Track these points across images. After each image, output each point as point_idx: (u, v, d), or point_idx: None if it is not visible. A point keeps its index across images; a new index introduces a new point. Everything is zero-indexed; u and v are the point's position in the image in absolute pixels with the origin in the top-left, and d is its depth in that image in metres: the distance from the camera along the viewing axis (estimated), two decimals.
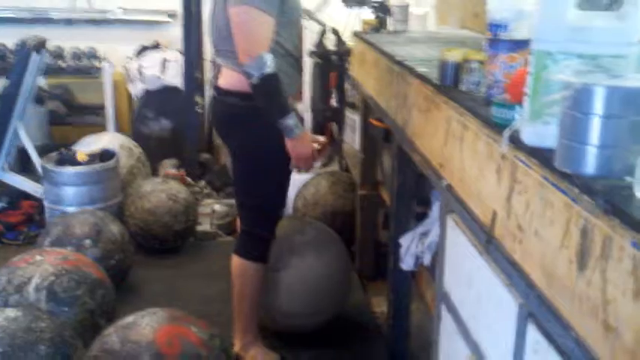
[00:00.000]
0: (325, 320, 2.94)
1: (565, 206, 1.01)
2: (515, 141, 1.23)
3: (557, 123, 1.09)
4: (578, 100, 1.03)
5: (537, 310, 1.10)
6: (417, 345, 2.67)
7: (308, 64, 5.05)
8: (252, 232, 2.65)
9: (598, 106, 1.01)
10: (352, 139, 3.87)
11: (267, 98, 2.37)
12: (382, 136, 3.29)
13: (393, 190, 2.57)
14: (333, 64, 4.73)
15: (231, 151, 2.69)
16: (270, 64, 2.30)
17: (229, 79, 2.51)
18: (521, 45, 1.49)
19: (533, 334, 1.12)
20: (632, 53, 1.16)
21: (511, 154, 1.24)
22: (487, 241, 1.35)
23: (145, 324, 2.11)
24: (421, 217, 2.40)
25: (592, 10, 1.18)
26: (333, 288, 2.95)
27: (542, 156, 1.13)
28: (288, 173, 2.62)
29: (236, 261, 2.67)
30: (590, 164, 1.02)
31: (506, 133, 1.26)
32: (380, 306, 3.15)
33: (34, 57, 4.04)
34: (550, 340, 1.06)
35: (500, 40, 1.52)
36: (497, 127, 1.34)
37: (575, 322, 0.97)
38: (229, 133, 2.62)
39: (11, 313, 2.21)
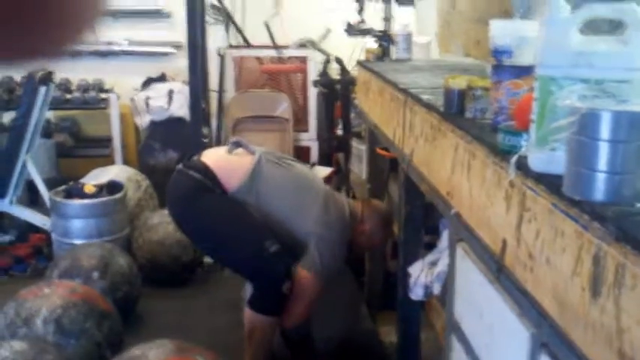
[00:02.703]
0: (333, 347, 2.91)
1: (576, 233, 1.00)
2: (523, 168, 1.22)
3: (565, 149, 1.09)
4: (585, 126, 1.03)
5: (550, 339, 1.09)
6: None
7: (313, 93, 5.09)
8: (255, 287, 2.66)
9: (605, 131, 1.00)
10: (359, 169, 3.87)
11: (299, 345, 2.79)
12: (388, 166, 3.29)
13: (401, 220, 2.55)
14: (337, 93, 4.76)
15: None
16: (309, 329, 2.74)
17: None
18: (525, 71, 1.49)
19: None
20: (636, 78, 1.16)
21: (519, 181, 1.23)
22: (497, 269, 1.33)
23: (152, 356, 2.09)
24: (430, 246, 2.39)
25: (595, 34, 1.18)
26: (341, 316, 2.94)
27: (550, 183, 1.12)
28: (242, 213, 2.61)
29: (246, 310, 2.68)
30: (600, 190, 1.01)
31: (513, 159, 1.25)
32: (389, 336, 3.11)
33: (42, 90, 4.07)
34: None
35: (504, 66, 1.52)
36: (504, 154, 1.34)
37: (589, 351, 0.95)
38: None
39: (17, 345, 2.20)
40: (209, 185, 2.61)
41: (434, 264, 2.21)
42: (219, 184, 2.61)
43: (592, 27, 1.19)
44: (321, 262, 2.61)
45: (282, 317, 2.63)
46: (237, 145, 2.78)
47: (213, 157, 2.74)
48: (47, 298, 2.55)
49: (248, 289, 2.81)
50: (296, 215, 2.64)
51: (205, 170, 2.63)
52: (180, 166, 2.80)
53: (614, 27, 1.19)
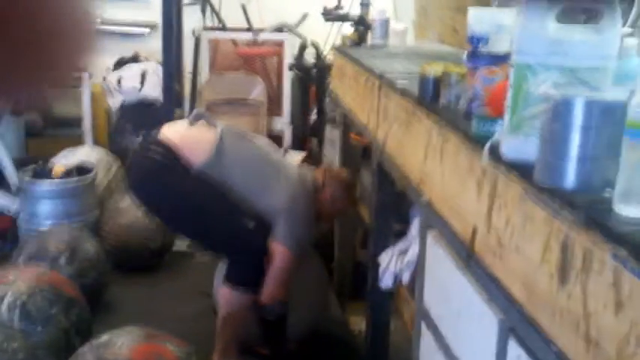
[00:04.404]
0: (303, 332, 2.91)
1: (545, 220, 1.00)
2: (496, 155, 1.22)
3: (538, 136, 1.09)
4: (558, 113, 1.03)
5: (518, 324, 1.09)
6: None
7: (288, 78, 5.06)
8: (234, 261, 2.65)
9: (577, 119, 1.01)
10: (332, 155, 3.85)
11: (273, 330, 2.76)
12: (361, 152, 3.28)
13: (372, 208, 2.55)
14: (312, 77, 4.74)
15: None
16: (286, 308, 2.70)
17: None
18: (501, 59, 1.49)
19: (514, 348, 1.10)
20: (610, 66, 1.16)
21: (491, 167, 1.23)
22: (467, 256, 1.33)
23: (120, 343, 2.06)
24: (400, 235, 2.39)
25: (571, 23, 1.18)
26: (311, 300, 2.94)
27: (522, 169, 1.12)
28: (215, 194, 2.60)
29: (223, 288, 2.66)
30: (570, 178, 1.01)
31: (487, 146, 1.25)
32: (358, 325, 3.12)
33: None
34: (531, 354, 1.04)
35: (480, 53, 1.52)
36: (478, 140, 1.34)
37: (557, 336, 0.96)
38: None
39: None
40: (170, 165, 2.57)
41: (403, 252, 2.21)
42: (182, 160, 2.56)
43: (568, 16, 1.19)
44: (293, 235, 2.61)
45: (259, 294, 2.62)
46: (199, 117, 2.74)
47: (174, 132, 2.68)
48: (12, 284, 2.49)
49: (219, 277, 2.79)
50: (261, 190, 2.63)
51: (166, 148, 2.58)
52: (138, 145, 2.75)
53: (590, 17, 1.19)
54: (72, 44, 0.40)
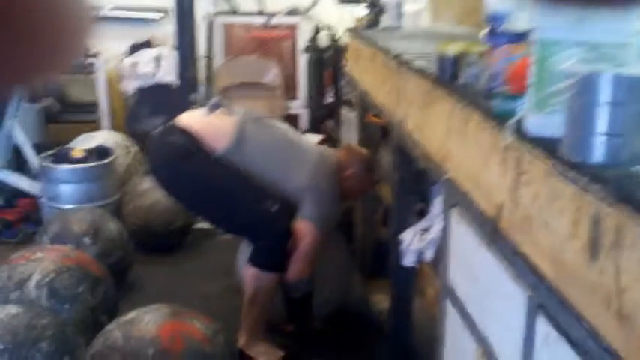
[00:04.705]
0: (329, 311, 2.93)
1: (574, 196, 1.01)
2: (520, 131, 1.22)
3: (563, 112, 1.09)
4: (585, 88, 1.03)
5: (547, 301, 1.10)
6: (419, 341, 2.67)
7: (302, 61, 5.06)
8: (258, 244, 2.66)
9: (605, 93, 1.01)
10: (350, 136, 3.86)
11: (299, 307, 2.79)
12: (380, 133, 3.28)
13: (392, 187, 2.56)
14: (327, 61, 4.73)
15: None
16: (311, 286, 2.73)
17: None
18: (521, 36, 1.49)
19: (543, 325, 1.11)
20: (634, 42, 1.16)
21: (515, 144, 1.24)
22: (493, 233, 1.34)
23: (147, 320, 2.10)
24: (421, 213, 2.40)
25: None
26: (336, 280, 2.96)
27: (547, 146, 1.12)
28: (238, 177, 2.61)
29: (249, 269, 2.68)
30: (598, 153, 1.01)
31: (511, 123, 1.25)
32: (381, 303, 3.14)
33: None
34: (561, 331, 1.05)
35: (499, 31, 1.52)
36: (499, 118, 1.34)
37: (587, 312, 0.97)
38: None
39: (12, 309, 2.19)
40: (192, 149, 2.59)
41: (426, 230, 2.22)
42: (204, 147, 2.58)
43: None
44: (319, 212, 2.63)
45: (286, 271, 2.65)
46: (217, 106, 2.75)
47: (194, 119, 2.69)
48: (39, 262, 2.53)
49: (242, 256, 2.82)
50: (285, 172, 2.64)
51: (188, 134, 2.60)
52: (158, 132, 2.76)
53: None
54: (68, 30, 0.40)
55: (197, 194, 2.67)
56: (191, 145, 2.59)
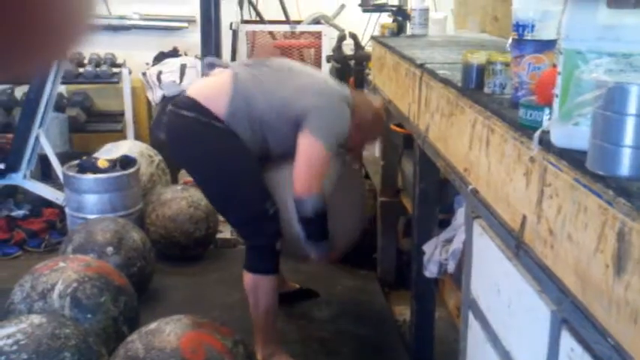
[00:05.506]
0: (344, 244, 2.88)
1: (599, 209, 0.99)
2: (545, 143, 1.20)
3: (589, 124, 1.07)
4: (612, 100, 1.01)
5: (571, 316, 1.07)
6: (440, 353, 2.64)
7: (326, 69, 5.05)
8: (253, 245, 2.66)
9: (632, 105, 0.98)
10: (372, 146, 3.84)
11: (315, 228, 2.62)
12: (402, 142, 3.27)
13: (415, 197, 2.54)
14: (351, 69, 4.72)
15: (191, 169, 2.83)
16: (323, 203, 2.57)
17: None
18: (547, 45, 1.47)
19: (567, 340, 1.09)
20: None
21: (540, 156, 1.22)
22: (517, 246, 1.32)
23: (169, 331, 2.10)
24: (443, 224, 2.37)
25: (622, 8, 1.15)
26: (354, 206, 2.94)
27: (573, 158, 1.10)
28: (250, 170, 2.61)
29: (246, 276, 2.67)
30: (625, 165, 0.99)
31: (537, 134, 1.23)
32: (403, 314, 3.12)
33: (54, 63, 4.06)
34: (585, 347, 1.03)
35: (526, 40, 1.50)
36: (525, 129, 1.32)
37: (613, 329, 0.94)
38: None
39: (36, 319, 2.20)
40: (204, 120, 2.57)
41: (448, 241, 2.20)
42: (211, 113, 2.57)
43: (619, 0, 1.16)
44: (323, 128, 2.55)
45: (292, 184, 2.57)
46: (212, 65, 2.76)
47: (196, 89, 2.71)
48: (62, 272, 2.55)
49: None
50: (288, 101, 2.58)
51: (196, 105, 2.59)
52: (170, 107, 2.75)
53: None
54: (64, 29, 0.40)
55: (207, 166, 2.66)
56: (201, 115, 2.58)
